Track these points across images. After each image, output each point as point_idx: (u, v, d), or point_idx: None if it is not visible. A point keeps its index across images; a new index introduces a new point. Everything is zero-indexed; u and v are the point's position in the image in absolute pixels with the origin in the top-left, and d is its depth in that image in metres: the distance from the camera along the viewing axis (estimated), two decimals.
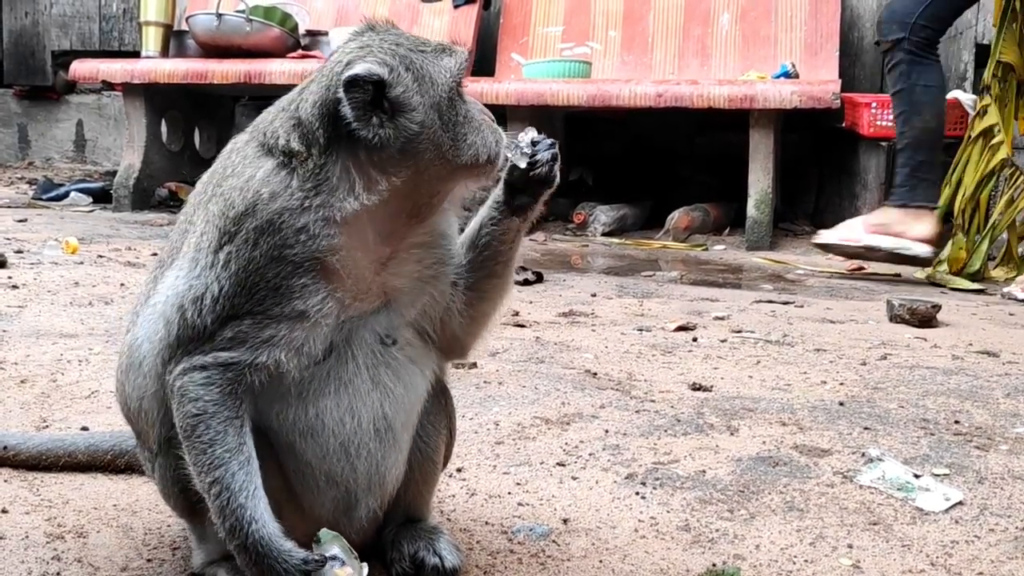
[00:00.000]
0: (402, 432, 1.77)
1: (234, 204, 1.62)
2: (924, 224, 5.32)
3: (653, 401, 2.95)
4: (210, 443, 1.60)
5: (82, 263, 4.94)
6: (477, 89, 6.87)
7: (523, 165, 1.71)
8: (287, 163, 1.62)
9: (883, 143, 6.23)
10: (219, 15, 7.11)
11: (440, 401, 1.89)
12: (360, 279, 1.66)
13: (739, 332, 3.93)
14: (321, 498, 1.73)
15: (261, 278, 1.59)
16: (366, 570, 1.68)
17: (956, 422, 2.79)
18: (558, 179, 1.75)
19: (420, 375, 1.79)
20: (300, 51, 7.36)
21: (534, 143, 1.73)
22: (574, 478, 2.36)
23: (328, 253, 1.60)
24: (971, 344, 3.80)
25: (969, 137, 5.65)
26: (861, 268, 5.85)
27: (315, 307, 1.61)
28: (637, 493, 2.28)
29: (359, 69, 1.59)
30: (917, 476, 2.36)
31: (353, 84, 1.59)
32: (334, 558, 1.63)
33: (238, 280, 1.59)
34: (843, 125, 6.66)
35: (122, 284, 4.42)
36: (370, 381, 1.70)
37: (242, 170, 1.66)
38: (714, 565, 1.94)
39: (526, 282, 4.92)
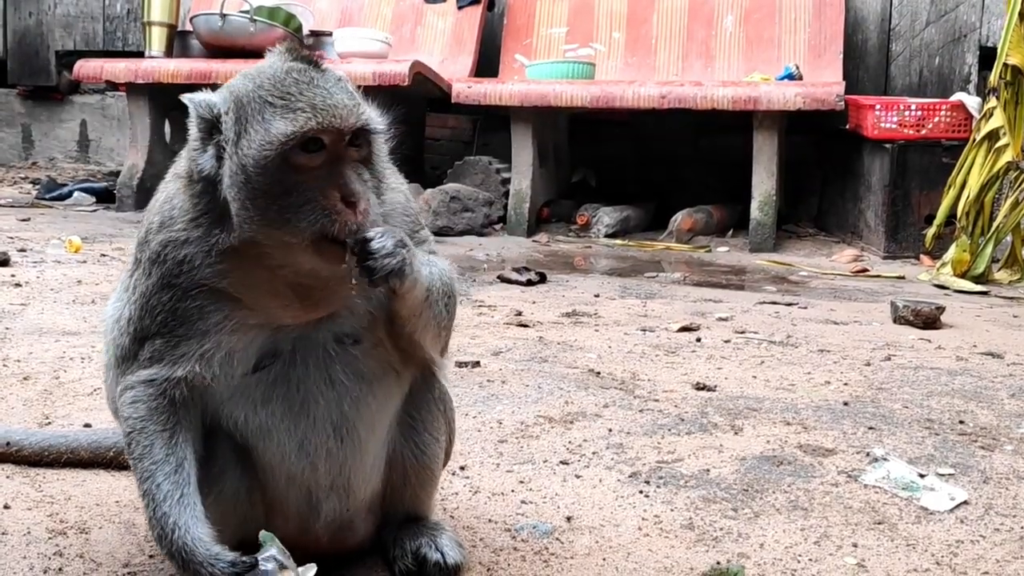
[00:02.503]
0: (368, 432, 1.75)
1: (141, 230, 1.70)
2: None
3: (657, 400, 2.94)
4: (139, 457, 1.65)
5: (85, 262, 4.94)
6: (481, 90, 6.87)
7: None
8: (184, 186, 1.65)
9: (887, 145, 6.21)
10: (223, 15, 7.10)
11: (439, 407, 1.87)
12: (278, 300, 1.63)
13: (743, 333, 3.92)
14: (286, 496, 1.74)
15: (158, 302, 1.64)
16: (313, 571, 1.64)
17: (961, 422, 2.78)
18: (391, 278, 1.54)
19: (392, 374, 1.76)
20: None
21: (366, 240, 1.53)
22: (578, 476, 2.35)
23: (216, 280, 1.62)
24: (975, 345, 3.79)
25: (974, 140, 5.64)
26: (865, 270, 5.84)
27: (216, 326, 1.63)
28: (641, 492, 2.27)
29: (199, 95, 1.61)
30: (922, 476, 2.35)
31: (192, 103, 1.60)
32: (271, 559, 1.58)
33: (141, 305, 1.66)
34: (847, 127, 6.65)
35: None
36: (323, 381, 1.69)
37: (159, 190, 1.72)
38: (718, 563, 1.93)
39: (529, 282, 4.92)
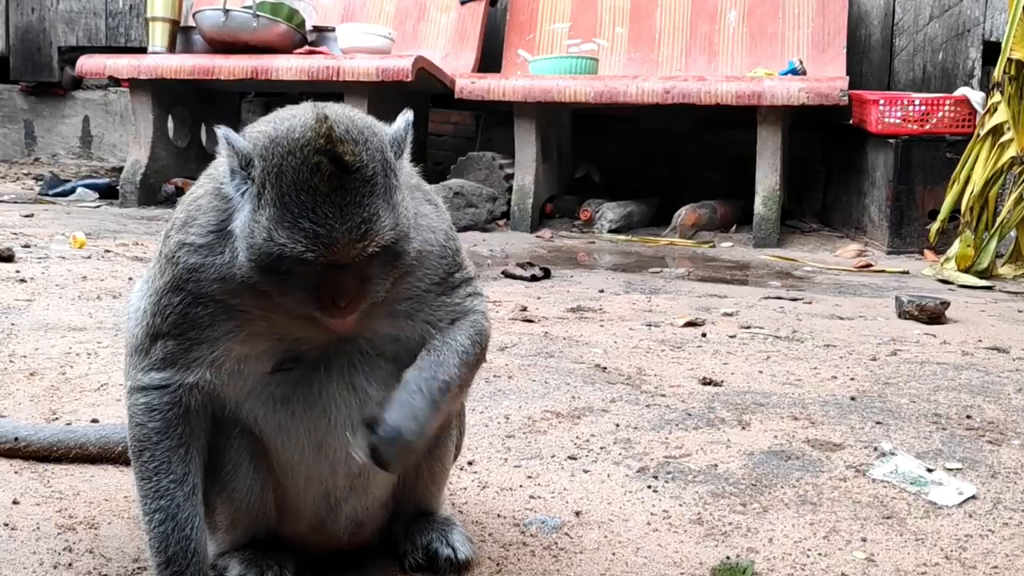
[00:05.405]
0: None
1: (168, 223, 1.64)
2: None
3: (663, 395, 2.94)
4: (155, 472, 1.61)
5: (89, 258, 4.93)
6: (484, 86, 6.87)
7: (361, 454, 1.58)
8: (218, 190, 1.57)
9: (891, 140, 6.21)
10: (226, 11, 7.10)
11: None
12: (294, 323, 1.58)
13: (748, 328, 3.91)
14: (304, 496, 1.73)
15: (169, 303, 1.58)
16: None
17: (968, 417, 2.78)
18: (390, 464, 1.58)
19: None
20: (307, 47, 7.35)
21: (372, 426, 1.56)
22: (586, 471, 2.35)
23: (227, 297, 1.56)
24: (981, 340, 3.79)
25: (978, 135, 5.63)
26: (869, 265, 5.84)
27: (227, 334, 1.58)
28: (649, 487, 2.27)
29: (229, 134, 1.50)
30: (930, 470, 2.35)
31: (224, 137, 1.50)
32: None
33: (154, 302, 1.61)
34: (851, 122, 6.64)
35: (130, 278, 4.42)
36: (346, 388, 1.66)
37: (198, 183, 1.66)
38: (727, 558, 1.93)
39: (533, 278, 4.92)
